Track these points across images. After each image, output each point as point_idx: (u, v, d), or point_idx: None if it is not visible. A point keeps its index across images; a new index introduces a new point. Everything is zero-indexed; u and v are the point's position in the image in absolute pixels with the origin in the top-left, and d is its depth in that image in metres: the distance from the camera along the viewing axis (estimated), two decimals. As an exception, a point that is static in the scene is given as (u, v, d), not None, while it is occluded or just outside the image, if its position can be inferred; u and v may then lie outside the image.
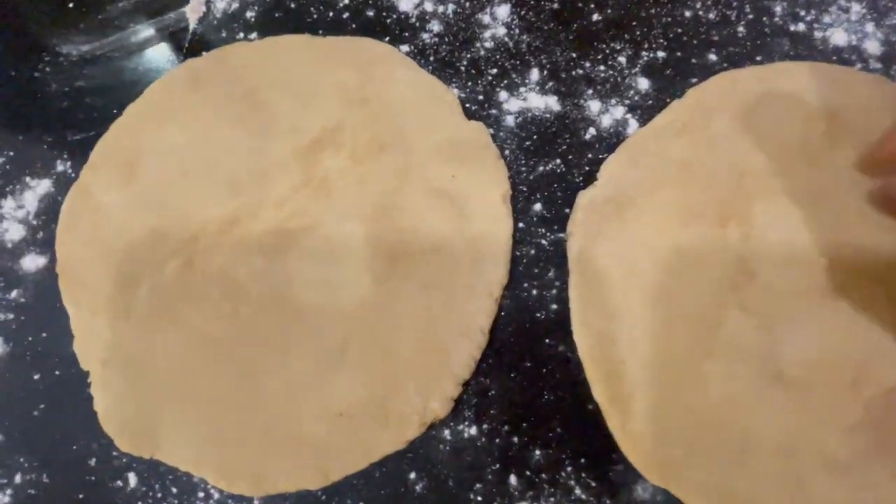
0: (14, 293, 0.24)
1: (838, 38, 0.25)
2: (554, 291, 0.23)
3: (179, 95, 0.25)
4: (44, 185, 0.25)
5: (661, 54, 0.25)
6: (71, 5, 0.27)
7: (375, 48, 0.25)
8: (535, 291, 0.23)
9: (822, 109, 0.23)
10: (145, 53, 0.26)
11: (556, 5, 0.26)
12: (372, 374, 0.21)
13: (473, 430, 0.20)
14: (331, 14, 0.27)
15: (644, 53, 0.25)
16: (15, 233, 0.24)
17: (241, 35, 0.27)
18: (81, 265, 0.23)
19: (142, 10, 0.27)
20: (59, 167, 0.25)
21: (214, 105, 0.25)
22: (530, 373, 0.21)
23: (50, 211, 0.24)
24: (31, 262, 0.24)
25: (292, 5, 0.27)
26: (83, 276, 0.23)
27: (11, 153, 0.25)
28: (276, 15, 0.27)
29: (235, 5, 0.27)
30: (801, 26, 0.25)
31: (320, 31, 0.26)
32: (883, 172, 0.20)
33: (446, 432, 0.20)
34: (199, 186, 0.24)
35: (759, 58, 0.25)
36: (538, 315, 0.22)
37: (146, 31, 0.27)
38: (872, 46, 0.24)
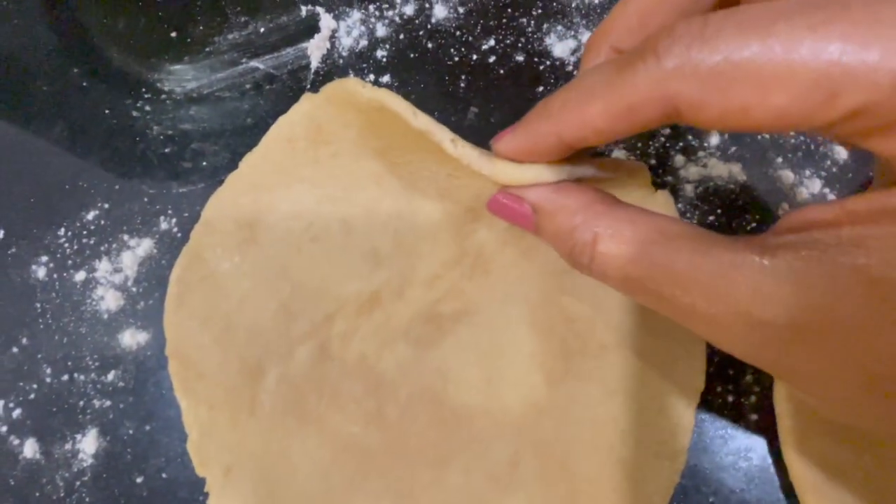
0: (111, 375, 0.20)
1: None
2: (753, 399, 0.19)
3: (302, 148, 0.22)
4: (145, 246, 0.21)
5: (858, 119, 0.22)
6: (174, 35, 0.24)
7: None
8: (730, 398, 0.20)
9: None
10: (261, 94, 0.23)
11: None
12: (551, 497, 0.18)
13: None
14: (474, 57, 0.24)
15: (839, 117, 0.23)
16: (111, 301, 0.21)
17: (371, 77, 0.23)
18: (196, 348, 0.19)
19: (256, 45, 0.24)
20: (163, 224, 0.22)
21: (345, 161, 0.22)
22: (732, 498, 0.18)
23: (152, 276, 0.21)
24: (132, 339, 0.20)
25: (430, 45, 0.24)
26: (198, 361, 0.19)
27: (106, 206, 0.22)
28: (411, 56, 0.24)
29: (364, 43, 0.24)
30: None
31: (463, 76, 0.24)
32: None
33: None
34: (333, 256, 0.20)
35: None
36: (736, 427, 0.19)
37: (262, 68, 0.24)
38: None
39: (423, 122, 0.17)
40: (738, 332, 0.12)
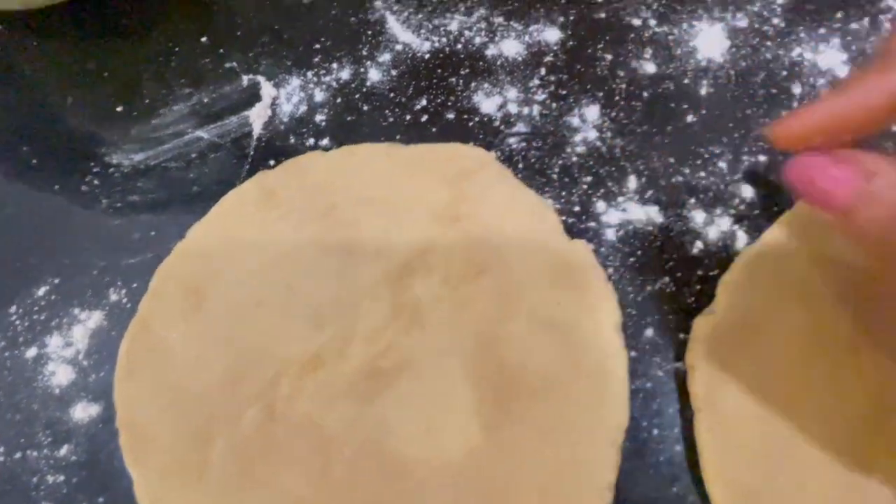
0: (64, 450, 0.20)
1: (941, 138, 0.25)
2: (676, 430, 0.20)
3: (251, 213, 0.23)
4: (95, 319, 0.22)
5: (762, 158, 0.24)
6: (120, 109, 0.25)
7: (467, 157, 0.23)
8: (655, 432, 0.21)
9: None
10: (206, 163, 0.24)
11: (646, 106, 0.25)
12: (490, 542, 0.19)
13: None
14: (407, 117, 0.25)
15: (745, 158, 0.24)
16: (63, 376, 0.21)
17: (312, 141, 0.25)
18: (146, 418, 0.20)
19: (200, 115, 0.25)
20: (113, 296, 0.22)
21: (290, 224, 0.22)
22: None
23: (103, 348, 0.22)
24: (83, 412, 0.21)
25: (365, 108, 0.25)
26: (148, 431, 0.20)
27: (56, 281, 0.23)
28: (348, 118, 0.25)
29: (304, 108, 0.25)
30: (902, 126, 0.25)
31: (398, 136, 0.25)
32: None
33: None
34: (277, 319, 0.21)
35: (863, 161, 0.24)
36: (661, 459, 0.20)
37: (206, 138, 0.25)
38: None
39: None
40: None
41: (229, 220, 0.23)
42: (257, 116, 0.25)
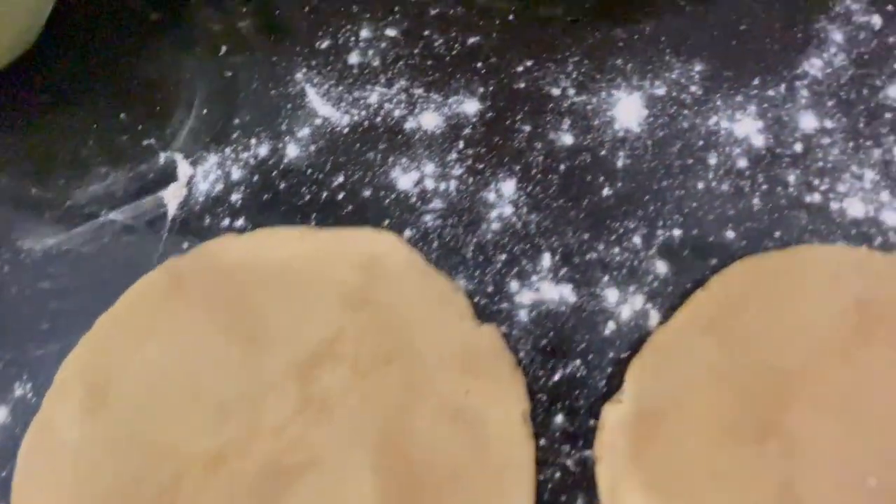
0: (-39, 557, 0.21)
1: (855, 209, 0.24)
2: (586, 520, 0.21)
3: (157, 301, 0.23)
4: (-1, 415, 0.22)
5: (676, 233, 0.24)
6: (34, 191, 0.25)
7: (378, 242, 0.23)
8: (565, 522, 0.21)
9: (853, 300, 0.22)
10: (120, 246, 0.24)
11: (562, 179, 0.25)
12: None
13: None
14: (324, 194, 0.25)
15: (659, 232, 0.24)
16: (-36, 477, 0.21)
17: (227, 221, 0.24)
18: (43, 525, 0.20)
19: (115, 196, 0.25)
20: (18, 391, 0.22)
21: (198, 313, 0.22)
22: None
23: (5, 447, 0.21)
24: (-16, 515, 0.21)
25: (282, 185, 0.25)
26: (45, 538, 0.20)
27: (-38, 374, 0.23)
28: (265, 197, 0.25)
29: (220, 187, 0.25)
30: (817, 197, 0.24)
31: (313, 215, 0.25)
32: None
33: None
34: (181, 414, 0.21)
35: (777, 233, 0.24)
36: (570, 551, 0.20)
37: (120, 220, 0.24)
38: (891, 218, 0.24)
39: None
40: None
41: (137, 309, 0.22)
42: (173, 196, 0.25)
